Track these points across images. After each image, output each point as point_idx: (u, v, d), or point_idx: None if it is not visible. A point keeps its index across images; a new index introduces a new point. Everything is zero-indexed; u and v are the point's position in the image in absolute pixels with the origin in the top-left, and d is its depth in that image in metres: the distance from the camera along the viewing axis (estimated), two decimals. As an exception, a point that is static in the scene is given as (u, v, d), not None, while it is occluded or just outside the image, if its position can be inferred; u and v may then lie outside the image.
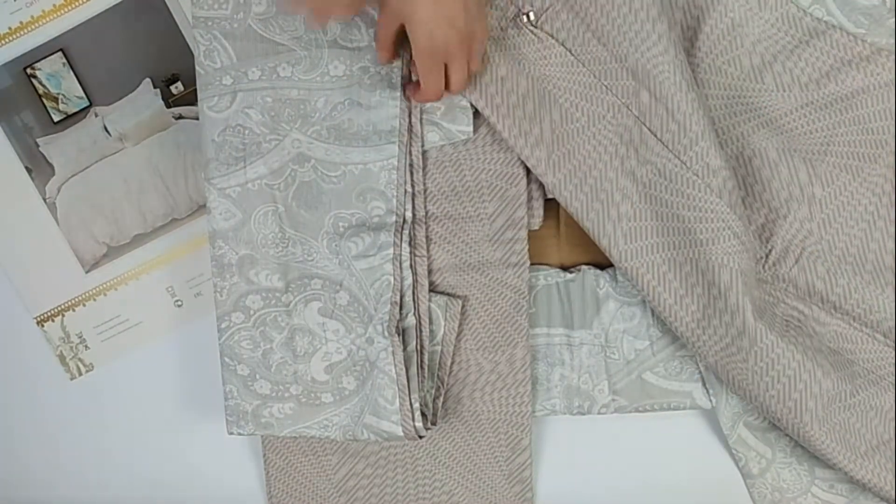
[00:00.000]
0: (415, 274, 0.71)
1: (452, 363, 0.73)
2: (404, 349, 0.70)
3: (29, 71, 0.77)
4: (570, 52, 0.67)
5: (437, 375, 0.72)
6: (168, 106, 0.77)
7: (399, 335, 0.69)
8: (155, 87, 0.77)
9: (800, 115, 0.69)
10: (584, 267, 0.75)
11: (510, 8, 0.67)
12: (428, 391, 0.71)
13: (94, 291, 0.78)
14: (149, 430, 0.79)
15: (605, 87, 0.66)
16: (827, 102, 0.69)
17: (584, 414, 0.74)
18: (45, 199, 0.78)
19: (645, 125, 0.66)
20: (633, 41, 0.65)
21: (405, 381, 0.68)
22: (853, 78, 0.68)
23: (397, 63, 0.68)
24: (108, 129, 0.77)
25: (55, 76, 0.77)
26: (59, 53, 0.76)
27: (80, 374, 0.79)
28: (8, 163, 0.77)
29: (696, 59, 0.70)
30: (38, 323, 0.79)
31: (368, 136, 0.69)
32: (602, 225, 0.67)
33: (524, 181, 0.71)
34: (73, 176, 0.77)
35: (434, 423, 0.71)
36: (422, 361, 0.71)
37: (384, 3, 0.59)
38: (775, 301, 0.69)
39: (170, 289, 0.78)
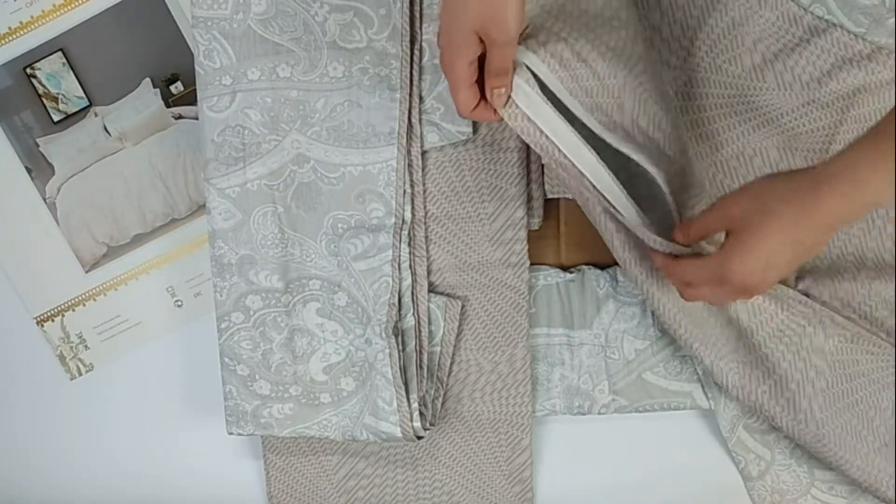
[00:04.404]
0: (414, 274, 0.71)
1: (452, 363, 0.73)
2: (403, 350, 0.70)
3: (29, 71, 0.77)
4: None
5: (437, 376, 0.72)
6: (168, 106, 0.77)
7: (398, 336, 0.69)
8: (155, 87, 0.77)
9: (801, 113, 0.69)
10: (584, 267, 0.75)
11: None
12: (427, 391, 0.71)
13: (93, 291, 0.78)
14: (149, 430, 0.79)
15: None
16: (828, 101, 0.68)
17: (584, 414, 0.74)
18: (45, 199, 0.78)
19: None
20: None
21: (402, 383, 0.68)
22: (854, 76, 0.68)
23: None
24: (108, 128, 0.77)
25: (55, 76, 0.77)
26: (59, 53, 0.76)
27: (80, 374, 0.79)
28: (8, 163, 0.77)
29: (696, 59, 0.70)
30: (38, 323, 0.79)
31: (368, 137, 0.69)
32: None
33: (524, 181, 0.71)
34: (72, 176, 0.77)
35: (433, 424, 0.71)
36: (421, 362, 0.71)
37: (726, 200, 0.55)
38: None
39: (170, 289, 0.78)
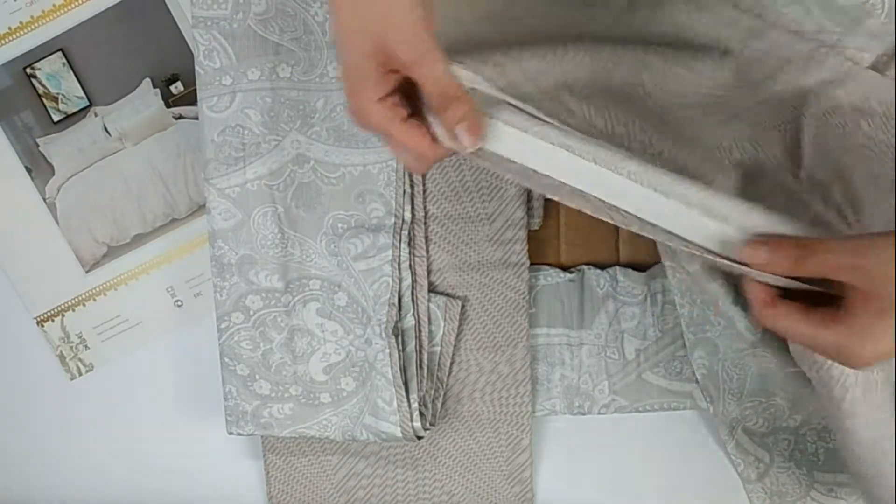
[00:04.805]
0: (414, 274, 0.71)
1: (452, 363, 0.73)
2: (403, 350, 0.70)
3: (29, 71, 0.77)
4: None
5: (437, 376, 0.72)
6: (168, 106, 0.77)
7: (398, 336, 0.69)
8: (155, 87, 0.77)
9: (759, 111, 0.67)
10: (584, 267, 0.75)
11: None
12: (427, 391, 0.71)
13: (94, 291, 0.78)
14: (149, 430, 0.79)
15: None
16: (778, 101, 0.67)
17: (584, 414, 0.74)
18: (45, 199, 0.78)
19: None
20: None
21: (402, 383, 0.68)
22: (796, 77, 0.67)
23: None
24: (108, 129, 0.77)
25: (55, 76, 0.77)
26: (59, 53, 0.76)
27: (80, 374, 0.79)
28: (8, 163, 0.77)
29: (653, 61, 0.68)
30: (38, 323, 0.79)
31: (368, 137, 0.69)
32: None
33: (524, 181, 0.71)
34: (72, 176, 0.77)
35: (433, 424, 0.71)
36: (421, 362, 0.71)
37: (865, 246, 0.41)
38: None
39: (170, 289, 0.78)
